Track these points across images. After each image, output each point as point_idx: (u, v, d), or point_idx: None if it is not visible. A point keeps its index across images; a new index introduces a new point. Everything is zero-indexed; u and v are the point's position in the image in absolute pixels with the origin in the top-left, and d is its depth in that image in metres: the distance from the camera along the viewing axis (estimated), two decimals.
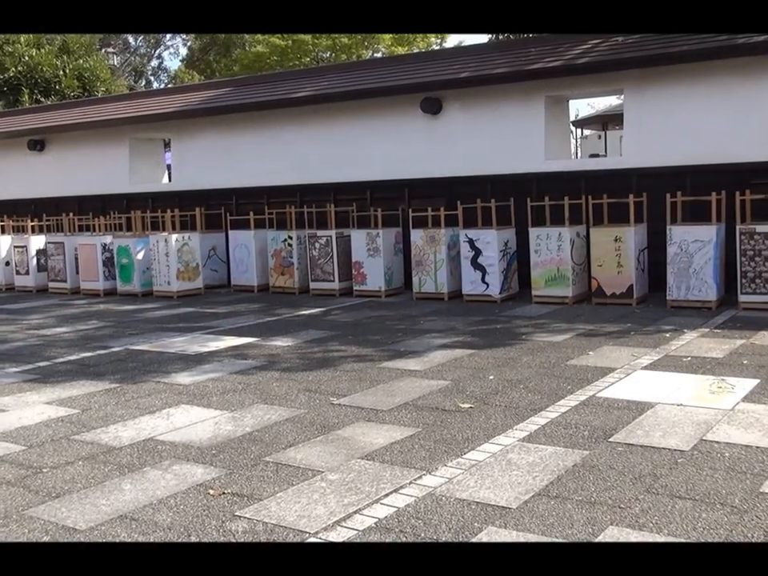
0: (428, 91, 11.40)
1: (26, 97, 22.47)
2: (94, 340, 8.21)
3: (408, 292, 11.07)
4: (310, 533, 3.20)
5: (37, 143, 15.67)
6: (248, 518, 3.39)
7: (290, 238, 11.96)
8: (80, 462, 4.24)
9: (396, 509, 3.45)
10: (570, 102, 12.11)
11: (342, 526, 3.27)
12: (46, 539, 3.24)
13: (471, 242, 10.26)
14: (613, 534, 3.14)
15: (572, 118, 20.04)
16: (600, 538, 3.11)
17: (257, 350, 7.40)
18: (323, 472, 3.95)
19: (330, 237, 11.51)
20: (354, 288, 11.33)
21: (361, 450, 4.31)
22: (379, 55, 32.07)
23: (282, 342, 7.73)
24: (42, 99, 22.40)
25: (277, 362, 6.81)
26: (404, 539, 3.13)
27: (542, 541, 3.11)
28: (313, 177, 12.69)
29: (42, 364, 7.02)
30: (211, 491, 3.73)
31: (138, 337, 8.32)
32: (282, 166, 12.98)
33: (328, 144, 12.59)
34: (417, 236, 10.77)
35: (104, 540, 3.22)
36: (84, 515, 3.48)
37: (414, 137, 11.82)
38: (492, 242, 10.15)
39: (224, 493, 3.70)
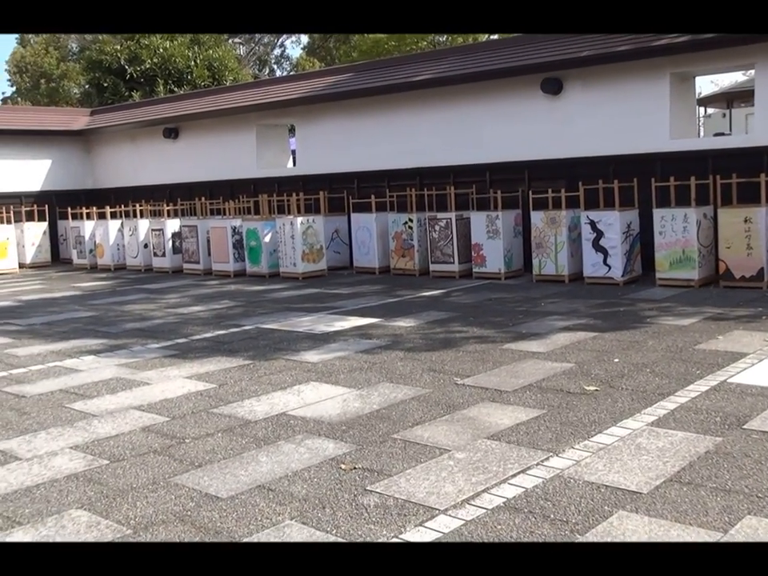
0: (548, 71, 11.21)
1: (161, 87, 23.52)
2: (227, 318, 8.59)
3: (528, 274, 10.99)
4: (439, 509, 3.29)
5: (171, 131, 16.40)
6: (379, 493, 3.50)
7: (411, 220, 12.08)
8: (219, 434, 4.48)
9: (524, 489, 3.48)
10: (696, 78, 11.62)
11: (470, 504, 3.34)
12: (191, 506, 3.46)
13: (593, 224, 10.08)
14: (751, 524, 3.07)
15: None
16: (737, 528, 3.04)
17: (380, 330, 7.55)
18: (450, 450, 4.03)
19: (450, 219, 11.55)
20: (474, 270, 11.35)
21: (486, 429, 4.36)
22: (496, 37, 31.61)
23: (404, 323, 7.85)
24: (176, 89, 23.38)
25: (400, 341, 6.93)
26: (533, 520, 3.16)
27: (676, 528, 3.07)
28: (433, 160, 12.74)
29: (180, 341, 7.41)
30: (343, 466, 3.87)
31: (268, 316, 8.64)
32: (403, 149, 13.10)
33: (448, 127, 12.60)
34: (537, 218, 10.66)
35: (243, 507, 3.41)
36: (225, 484, 3.69)
37: (533, 118, 11.67)
38: (614, 223, 9.93)
39: (355, 468, 3.84)
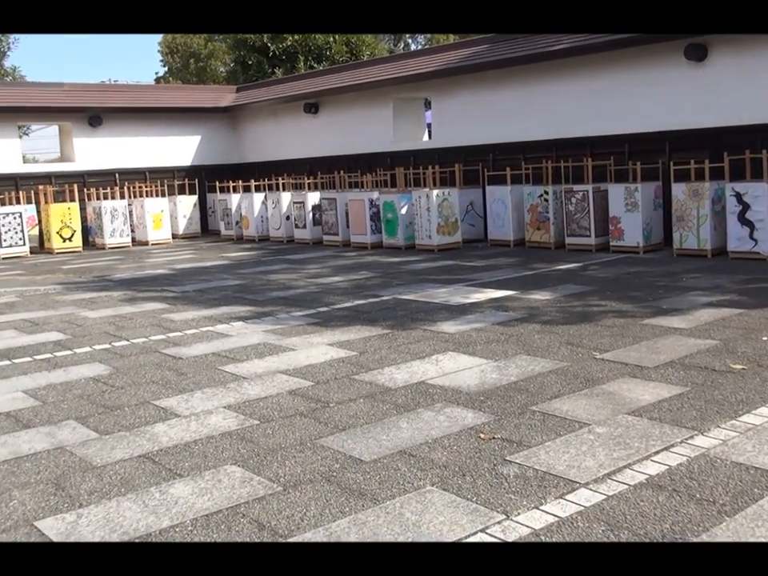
0: (693, 36, 10.68)
1: (302, 64, 24.09)
2: (366, 289, 8.81)
3: (667, 248, 10.65)
4: (580, 483, 3.30)
5: (311, 106, 16.81)
6: (518, 464, 3.55)
7: (546, 192, 11.92)
8: (361, 400, 4.65)
9: (668, 467, 3.43)
10: None
11: (612, 479, 3.33)
12: (336, 467, 3.63)
13: (738, 196, 9.62)
14: None
15: None
16: None
17: (516, 302, 7.53)
18: (590, 425, 4.01)
19: (587, 191, 11.31)
20: (611, 243, 11.09)
21: (627, 405, 4.31)
22: None
23: (540, 296, 7.80)
24: (315, 65, 23.86)
25: (537, 314, 6.90)
26: (677, 498, 3.12)
27: None
28: (569, 131, 12.48)
29: (322, 309, 7.68)
30: (482, 435, 3.94)
31: (405, 287, 8.79)
32: (539, 120, 12.89)
33: (584, 97, 12.28)
34: (678, 190, 10.27)
35: (385, 470, 3.54)
36: (368, 448, 3.84)
37: (675, 86, 11.20)
38: (762, 195, 9.45)
39: (494, 437, 3.90)
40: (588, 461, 3.53)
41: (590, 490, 3.23)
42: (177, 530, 3.06)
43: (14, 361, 6.08)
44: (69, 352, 6.31)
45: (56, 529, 3.11)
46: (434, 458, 3.66)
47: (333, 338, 6.35)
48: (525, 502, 3.14)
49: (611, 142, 11.94)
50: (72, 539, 3.01)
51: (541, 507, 3.09)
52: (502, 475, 3.42)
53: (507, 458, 3.62)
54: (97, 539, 3.01)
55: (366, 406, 4.52)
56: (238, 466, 3.70)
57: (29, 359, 6.12)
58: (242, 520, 3.11)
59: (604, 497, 3.16)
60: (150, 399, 4.87)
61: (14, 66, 26.40)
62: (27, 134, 30.81)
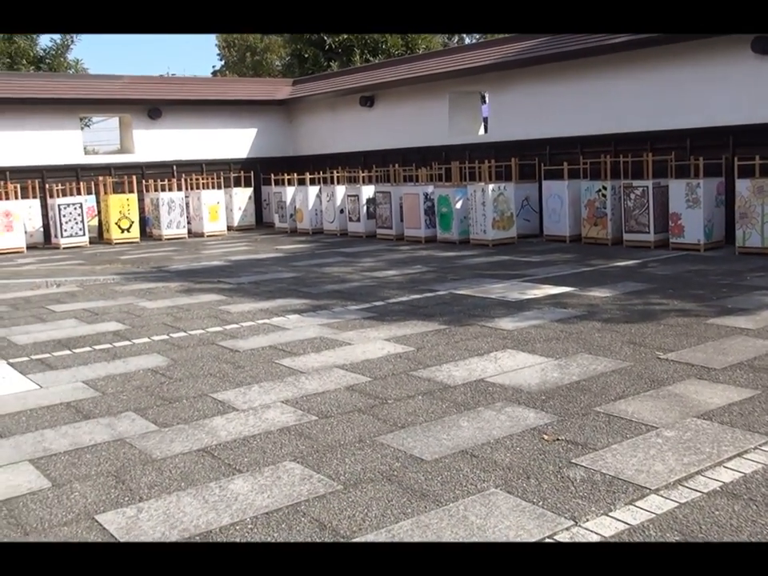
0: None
1: (357, 57, 24.04)
2: (421, 283, 8.73)
3: (729, 246, 10.36)
4: (650, 489, 3.18)
5: (367, 99, 16.76)
6: (585, 467, 3.44)
7: (605, 188, 11.69)
8: (419, 397, 4.58)
9: (742, 474, 3.29)
10: None
11: (684, 486, 3.20)
12: (397, 466, 3.57)
13: None
14: None
15: None
16: None
17: (575, 299, 7.38)
18: (657, 428, 3.88)
19: (647, 187, 11.06)
20: (671, 240, 10.83)
21: (695, 408, 4.16)
22: None
23: (599, 293, 7.62)
24: (371, 58, 23.80)
25: (596, 312, 6.74)
26: (754, 508, 2.99)
27: None
28: (629, 125, 12.20)
29: (377, 303, 7.62)
30: (545, 436, 3.84)
31: (460, 282, 8.69)
32: (597, 114, 12.64)
33: (645, 91, 11.98)
34: (743, 186, 9.96)
35: (447, 471, 3.47)
36: (428, 447, 3.77)
37: (740, 80, 10.85)
38: None
39: (558, 439, 3.79)
40: (657, 465, 3.41)
41: (662, 496, 3.11)
42: (237, 527, 3.03)
43: (74, 351, 6.16)
44: (128, 342, 6.37)
45: (116, 523, 3.11)
46: (496, 459, 3.57)
47: (389, 332, 6.29)
48: (593, 508, 3.04)
49: (672, 137, 11.64)
50: (133, 534, 3.01)
51: (610, 514, 2.99)
52: (568, 479, 3.32)
53: (573, 461, 3.51)
54: (158, 535, 2.99)
55: (425, 404, 4.45)
56: (297, 462, 3.66)
57: (89, 349, 6.19)
58: (302, 519, 3.07)
59: (676, 504, 3.04)
60: (208, 392, 4.87)
61: (77, 58, 26.88)
62: (89, 126, 31.38)
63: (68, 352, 6.12)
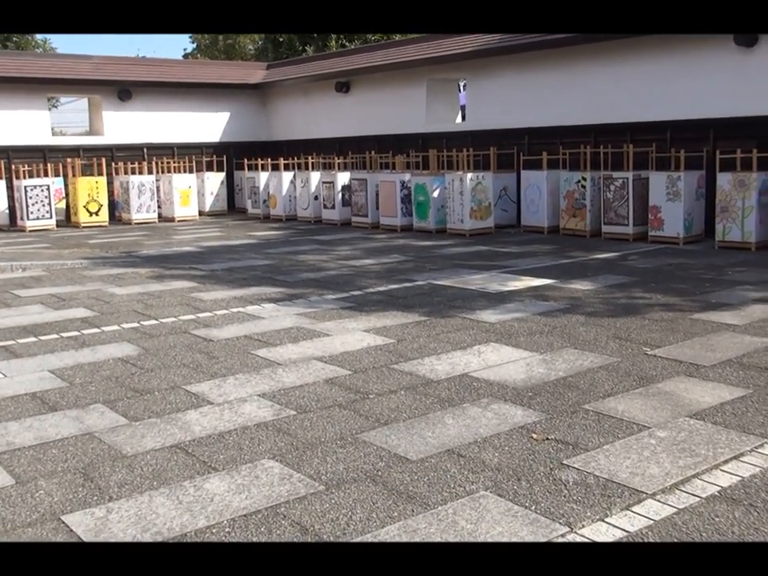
0: None
1: (333, 42, 23.73)
2: (399, 273, 8.56)
3: (709, 240, 10.33)
4: (646, 493, 3.05)
5: (343, 85, 16.51)
6: (577, 469, 3.30)
7: (584, 179, 11.59)
8: (402, 392, 4.42)
9: (740, 478, 3.18)
10: None
11: (681, 490, 3.08)
12: (381, 465, 3.41)
13: None
14: None
15: None
16: None
17: (557, 291, 7.26)
18: (650, 428, 3.76)
19: (627, 179, 10.98)
20: (650, 233, 10.77)
21: (687, 407, 4.05)
22: None
23: (581, 286, 7.52)
24: (347, 44, 23.51)
25: (579, 305, 6.63)
26: (755, 514, 2.87)
27: None
28: (609, 116, 12.10)
29: (355, 293, 7.44)
30: (534, 435, 3.70)
31: (439, 272, 8.54)
32: (577, 105, 12.53)
33: (626, 81, 11.90)
34: (724, 180, 9.92)
35: (434, 471, 3.31)
36: (413, 445, 3.61)
37: (723, 72, 10.79)
38: None
39: (547, 438, 3.65)
40: (652, 468, 3.28)
41: (659, 501, 2.98)
42: (214, 530, 2.85)
43: (40, 338, 5.92)
44: (96, 330, 6.13)
45: (84, 525, 2.91)
46: (485, 459, 3.42)
47: (368, 323, 6.12)
48: (588, 513, 2.90)
49: (653, 129, 11.57)
50: (102, 537, 2.82)
51: (606, 519, 2.85)
52: (560, 481, 3.18)
53: (564, 462, 3.37)
54: (128, 538, 2.80)
55: (408, 399, 4.29)
56: (276, 460, 3.48)
57: (55, 336, 5.95)
58: (282, 522, 2.89)
59: (675, 510, 2.91)
60: (181, 384, 4.67)
61: (45, 37, 26.31)
62: (56, 107, 30.71)
63: (34, 339, 5.88)
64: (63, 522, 2.94)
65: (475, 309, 6.59)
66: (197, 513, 2.98)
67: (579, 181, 11.66)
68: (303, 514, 2.95)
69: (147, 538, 2.80)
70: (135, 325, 6.29)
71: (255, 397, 4.38)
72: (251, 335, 5.84)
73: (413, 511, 2.95)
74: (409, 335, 5.73)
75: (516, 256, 9.73)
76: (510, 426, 3.82)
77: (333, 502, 3.05)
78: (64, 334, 6.01)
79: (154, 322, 6.39)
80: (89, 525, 2.91)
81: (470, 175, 12.07)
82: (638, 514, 2.89)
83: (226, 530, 2.85)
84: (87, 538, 2.81)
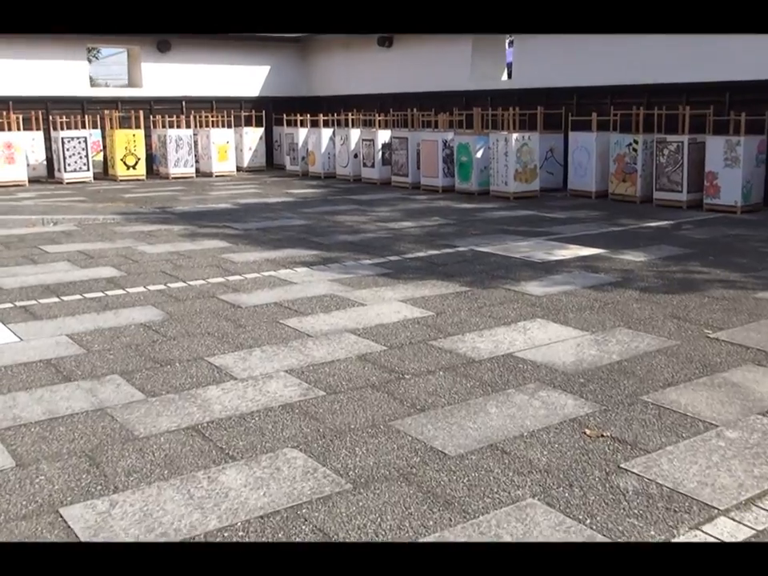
0: None
1: None
2: (439, 237, 8.16)
3: (767, 209, 9.71)
4: (718, 509, 2.66)
5: (385, 39, 15.93)
6: (637, 475, 2.92)
7: (636, 142, 11.01)
8: (440, 372, 4.07)
9: None
10: None
11: (758, 507, 2.69)
12: (415, 461, 3.07)
13: None
14: None
15: None
16: None
17: (607, 262, 6.82)
18: (717, 426, 3.36)
19: (682, 143, 10.38)
20: (705, 201, 10.21)
21: (759, 403, 3.63)
22: None
23: (632, 257, 7.06)
24: None
25: (632, 279, 6.19)
26: None
27: None
28: (664, 76, 11.43)
29: (392, 258, 7.07)
30: (587, 431, 3.32)
31: (481, 237, 8.12)
32: (630, 63, 11.86)
33: (681, 39, 11.14)
34: None
35: (474, 471, 2.97)
36: (452, 438, 3.26)
37: None
38: None
39: (602, 435, 3.28)
40: (723, 477, 2.89)
41: (733, 520, 2.60)
42: (225, 533, 2.54)
43: (62, 298, 5.66)
44: (121, 291, 5.86)
45: (84, 521, 2.62)
46: (532, 459, 3.06)
47: (405, 293, 5.76)
48: (652, 532, 2.53)
49: (711, 90, 10.89)
50: (101, 537, 2.52)
51: (673, 540, 2.48)
52: (618, 489, 2.81)
53: (622, 466, 3.00)
54: (130, 539, 2.51)
55: (447, 381, 3.94)
56: (300, 450, 3.16)
57: (78, 297, 5.69)
58: (303, 527, 2.57)
59: (753, 532, 2.53)
60: (204, 355, 4.37)
61: None
62: (97, 59, 30.47)
63: (56, 299, 5.62)
64: (61, 516, 2.65)
65: (520, 280, 6.18)
66: (208, 511, 2.68)
67: (630, 144, 11.10)
68: (327, 518, 2.63)
69: (151, 539, 2.51)
70: (162, 287, 6.00)
71: (282, 373, 4.06)
72: (281, 302, 5.51)
73: (450, 520, 2.61)
74: (449, 307, 5.36)
75: (562, 222, 9.26)
76: (560, 419, 3.45)
77: (360, 504, 2.72)
78: (87, 295, 5.74)
79: (181, 284, 6.10)
80: (88, 521, 2.62)
81: (515, 135, 11.55)
82: (710, 534, 2.51)
83: (240, 533, 2.54)
84: (85, 536, 2.52)
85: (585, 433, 3.30)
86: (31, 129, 14.50)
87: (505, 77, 15.13)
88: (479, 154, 12.05)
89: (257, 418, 3.47)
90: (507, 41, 15.75)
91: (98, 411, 3.56)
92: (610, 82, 12.12)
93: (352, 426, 3.38)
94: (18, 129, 14.07)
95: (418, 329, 4.85)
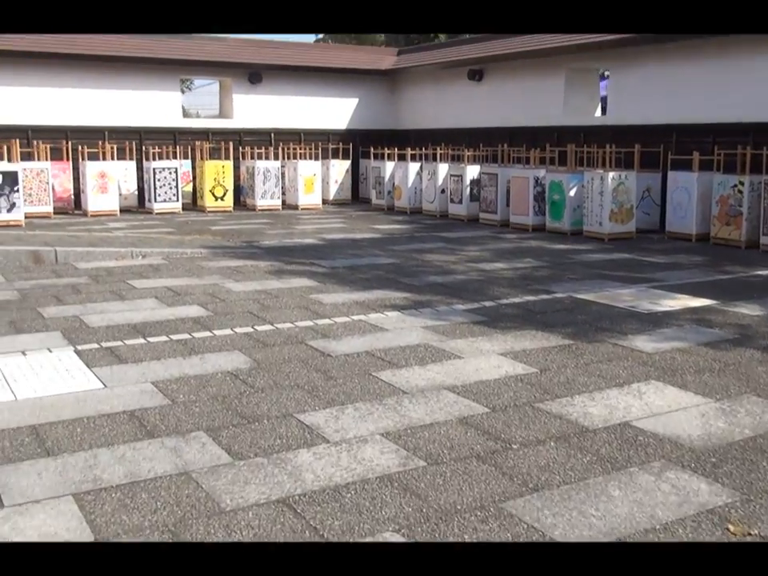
0: None
1: None
2: (534, 281, 7.77)
3: None
4: None
5: (476, 73, 15.70)
6: None
7: (741, 183, 10.40)
8: (551, 443, 3.69)
9: None
10: None
11: None
12: None
13: None
14: None
15: None
16: None
17: (720, 316, 6.31)
18: None
19: None
20: None
21: None
22: None
23: (748, 310, 6.52)
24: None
25: (752, 336, 5.68)
26: None
27: None
28: None
29: (487, 304, 6.72)
30: (730, 527, 2.89)
31: (579, 283, 7.69)
32: (734, 99, 11.27)
33: None
34: None
35: None
36: (573, 528, 2.87)
37: None
38: None
39: (749, 534, 2.85)
40: None
41: None
42: None
43: (148, 339, 5.50)
44: (208, 334, 5.68)
45: None
46: None
47: (504, 345, 5.39)
48: None
49: None
50: None
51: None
52: None
53: None
54: None
55: (560, 454, 3.55)
56: (402, 535, 2.83)
57: (165, 339, 5.53)
58: None
59: None
60: (294, 411, 4.10)
61: None
62: (190, 89, 31.22)
63: (142, 341, 5.47)
64: None
65: (627, 333, 5.75)
66: None
67: (736, 185, 10.49)
68: None
69: None
70: (249, 330, 5.80)
71: (377, 436, 3.75)
72: (373, 351, 5.22)
73: None
74: (553, 363, 4.97)
75: (664, 267, 8.74)
76: (696, 508, 3.03)
77: None
78: (174, 336, 5.58)
79: (269, 327, 5.89)
80: None
81: (611, 174, 11.09)
82: None
83: None
84: None
85: (728, 529, 2.87)
86: (125, 158, 14.76)
87: (598, 112, 14.69)
88: (572, 193, 11.63)
89: (352, 492, 3.16)
90: (600, 73, 15.32)
91: (182, 475, 3.31)
92: (712, 120, 11.57)
93: (458, 507, 3.04)
94: (112, 158, 14.33)
95: (521, 388, 4.48)
